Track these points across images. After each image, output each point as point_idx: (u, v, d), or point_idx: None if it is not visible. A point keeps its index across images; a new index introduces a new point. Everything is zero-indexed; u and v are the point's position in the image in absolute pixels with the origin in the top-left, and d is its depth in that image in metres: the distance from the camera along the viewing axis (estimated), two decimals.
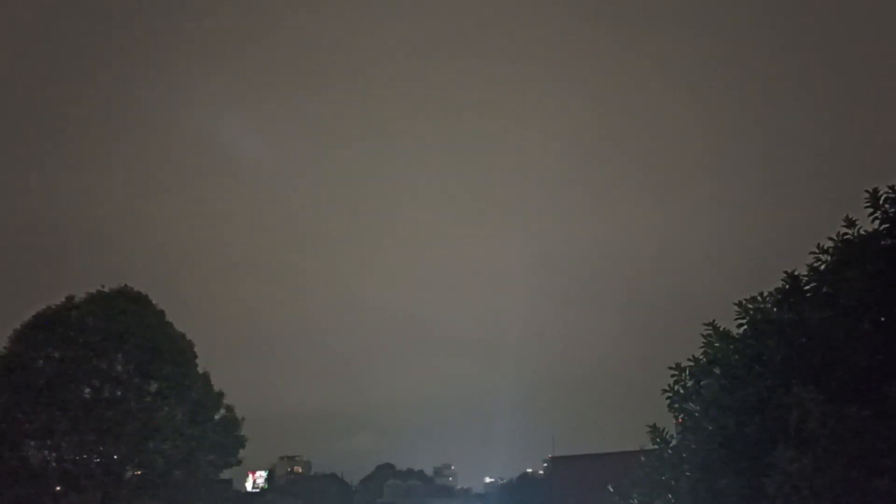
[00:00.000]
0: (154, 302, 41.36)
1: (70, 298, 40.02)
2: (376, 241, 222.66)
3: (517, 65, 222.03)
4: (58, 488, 38.00)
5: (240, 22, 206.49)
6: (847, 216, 12.15)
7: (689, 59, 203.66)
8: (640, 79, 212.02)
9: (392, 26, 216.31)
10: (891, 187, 11.68)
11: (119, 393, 39.18)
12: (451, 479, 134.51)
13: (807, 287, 12.42)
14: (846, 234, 12.18)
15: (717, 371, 12.78)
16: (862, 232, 12.03)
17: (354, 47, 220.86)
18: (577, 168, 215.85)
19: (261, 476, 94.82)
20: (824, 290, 12.19)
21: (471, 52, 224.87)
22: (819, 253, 12.41)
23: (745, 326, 12.70)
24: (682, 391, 13.23)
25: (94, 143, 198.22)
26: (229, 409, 42.75)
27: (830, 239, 12.29)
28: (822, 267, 12.39)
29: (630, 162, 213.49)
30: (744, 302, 12.68)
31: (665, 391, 13.27)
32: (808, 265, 12.50)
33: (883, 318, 11.33)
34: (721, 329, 13.04)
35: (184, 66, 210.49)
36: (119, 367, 39.63)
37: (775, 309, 12.49)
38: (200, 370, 42.39)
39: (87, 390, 38.99)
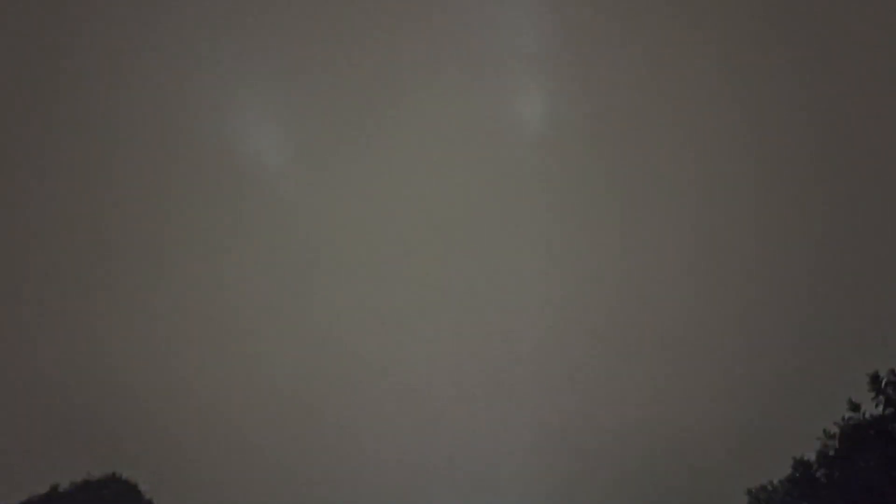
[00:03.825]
0: (143, 490, 39.70)
1: (54, 489, 38.43)
2: None
3: None
4: None
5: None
6: (850, 400, 12.16)
7: None
8: None
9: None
10: (892, 370, 11.76)
11: None
12: None
13: (817, 474, 12.15)
14: (851, 417, 12.14)
15: None
16: (867, 416, 12.00)
17: None
18: None
19: None
20: (836, 475, 11.90)
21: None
22: (826, 438, 12.31)
23: None
24: None
25: None
26: None
27: (836, 424, 12.24)
28: (831, 452, 12.22)
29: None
30: (754, 490, 12.36)
31: None
32: (817, 451, 12.35)
33: None
34: None
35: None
36: None
37: (788, 498, 12.13)
38: None
39: None
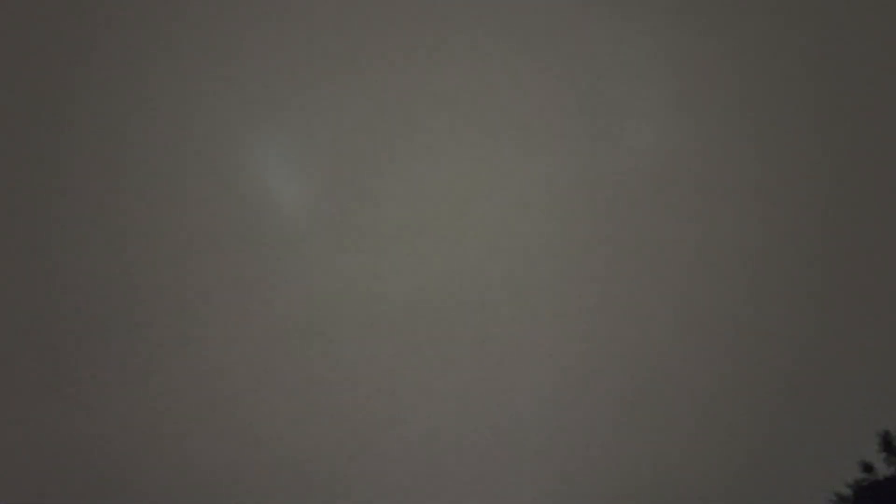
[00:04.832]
0: None
1: None
2: None
3: None
4: None
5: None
6: (863, 461, 11.96)
7: None
8: None
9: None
10: None
11: None
12: None
13: None
14: (864, 479, 11.90)
15: None
16: (881, 478, 11.77)
17: None
18: None
19: None
20: None
21: None
22: (839, 501, 12.06)
23: None
24: None
25: None
26: None
27: (849, 486, 12.00)
28: None
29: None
30: None
31: None
32: None
33: None
34: None
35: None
36: None
37: None
38: None
39: None
